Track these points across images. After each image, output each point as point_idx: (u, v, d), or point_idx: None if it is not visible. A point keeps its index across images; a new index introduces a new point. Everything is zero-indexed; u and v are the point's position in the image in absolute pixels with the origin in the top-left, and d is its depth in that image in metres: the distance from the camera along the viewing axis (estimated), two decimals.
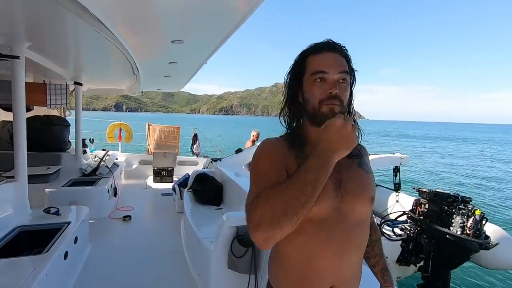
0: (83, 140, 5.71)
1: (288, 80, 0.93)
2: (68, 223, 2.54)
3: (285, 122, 0.95)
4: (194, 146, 7.18)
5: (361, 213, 0.88)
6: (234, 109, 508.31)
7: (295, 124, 0.95)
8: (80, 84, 4.65)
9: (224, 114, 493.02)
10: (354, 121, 0.93)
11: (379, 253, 1.09)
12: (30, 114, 4.76)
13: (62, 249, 2.14)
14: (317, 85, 0.84)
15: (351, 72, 0.89)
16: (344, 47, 0.88)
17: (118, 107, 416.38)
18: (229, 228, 2.05)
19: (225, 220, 2.09)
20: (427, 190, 3.10)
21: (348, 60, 0.88)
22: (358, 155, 0.93)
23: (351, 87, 0.90)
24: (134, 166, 6.48)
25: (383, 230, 3.13)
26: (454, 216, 2.75)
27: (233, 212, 2.17)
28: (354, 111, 0.94)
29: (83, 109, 4.86)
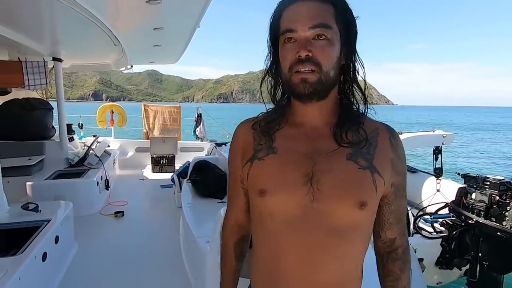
0: (70, 125, 5.93)
1: (267, 44, 0.89)
2: (48, 221, 2.67)
3: (272, 99, 0.92)
4: (198, 129, 7.25)
5: (343, 219, 0.80)
6: (235, 95, 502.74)
7: (285, 100, 0.92)
8: (60, 60, 4.76)
9: (223, 102, 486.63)
10: (365, 96, 0.85)
11: None
12: (8, 97, 4.95)
13: (39, 250, 2.26)
14: (286, 47, 0.79)
15: (344, 24, 0.79)
16: None
17: (97, 96, 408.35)
18: None
19: (222, 215, 2.10)
20: (475, 176, 2.98)
21: (337, 8, 0.78)
22: (357, 142, 0.81)
23: (347, 43, 0.81)
24: (130, 154, 6.66)
25: (420, 225, 3.07)
26: (508, 208, 2.64)
27: None
28: (361, 80, 0.85)
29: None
